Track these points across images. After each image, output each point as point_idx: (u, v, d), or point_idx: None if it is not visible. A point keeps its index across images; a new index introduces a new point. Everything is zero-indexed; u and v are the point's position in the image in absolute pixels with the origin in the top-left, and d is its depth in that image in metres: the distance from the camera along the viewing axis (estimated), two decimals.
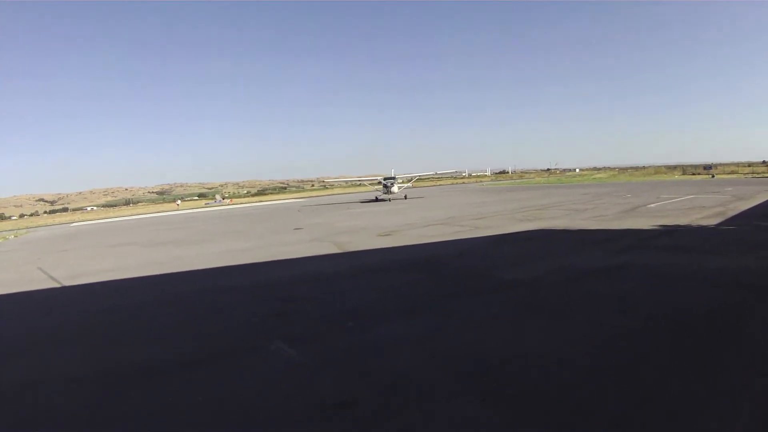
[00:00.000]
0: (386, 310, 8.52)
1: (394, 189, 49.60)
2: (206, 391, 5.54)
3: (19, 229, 66.00)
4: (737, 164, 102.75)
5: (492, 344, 6.51)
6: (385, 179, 51.50)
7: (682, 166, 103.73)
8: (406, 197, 51.21)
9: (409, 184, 58.18)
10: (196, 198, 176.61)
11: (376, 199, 51.16)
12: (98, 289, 13.14)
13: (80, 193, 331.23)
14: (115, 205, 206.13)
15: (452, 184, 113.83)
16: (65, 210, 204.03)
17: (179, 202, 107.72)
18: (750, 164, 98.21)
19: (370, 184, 60.78)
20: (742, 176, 66.66)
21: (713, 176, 69.03)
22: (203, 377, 6.01)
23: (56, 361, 7.24)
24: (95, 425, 5.03)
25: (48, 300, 12.31)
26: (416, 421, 4.59)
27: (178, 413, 5.10)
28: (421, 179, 67.80)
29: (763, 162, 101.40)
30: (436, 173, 62.43)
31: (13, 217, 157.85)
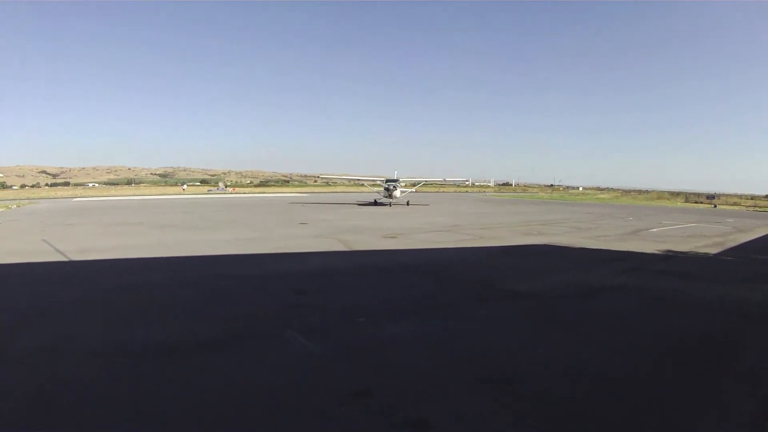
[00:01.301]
0: (396, 309, 8.81)
1: (396, 193, 44.73)
2: (226, 374, 5.77)
3: (20, 199, 66.05)
4: (740, 196, 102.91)
5: (499, 347, 6.85)
6: (387, 181, 46.60)
7: (685, 193, 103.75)
8: (408, 203, 47.26)
9: (413, 189, 53.12)
10: (198, 183, 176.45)
11: (375, 203, 47.39)
12: (107, 265, 13.35)
13: (83, 168, 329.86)
14: (117, 184, 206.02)
15: (455, 192, 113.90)
16: (67, 184, 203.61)
17: (185, 186, 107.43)
18: (753, 197, 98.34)
19: (369, 185, 54.52)
20: (744, 208, 66.82)
21: (715, 206, 69.06)
22: (221, 360, 6.23)
23: (71, 333, 7.40)
24: (115, 398, 5.22)
25: (57, 273, 12.45)
26: (430, 412, 4.86)
27: (200, 393, 5.32)
28: (425, 185, 61.66)
29: (767, 196, 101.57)
30: (445, 180, 57.54)
31: (14, 187, 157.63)
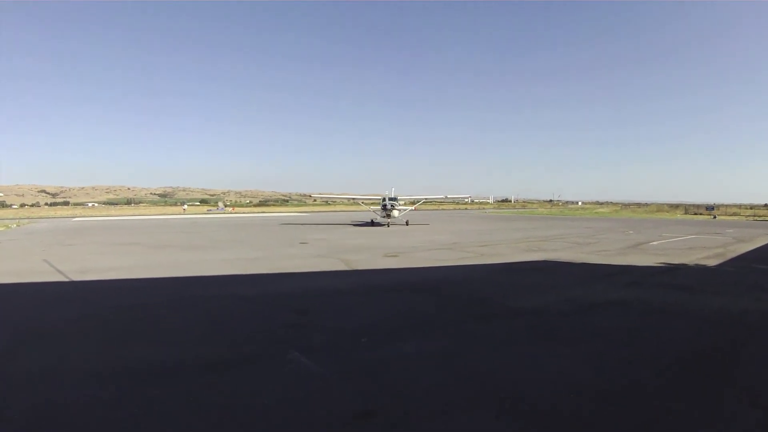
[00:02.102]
0: (398, 328, 8.76)
1: (395, 212, 41.45)
2: (227, 395, 5.72)
3: (20, 218, 66.24)
4: (739, 206, 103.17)
5: (501, 364, 6.82)
6: (386, 199, 42.46)
7: (685, 205, 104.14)
8: (408, 223, 43.87)
9: (412, 208, 49.46)
10: (198, 204, 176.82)
11: (372, 223, 44.11)
12: (107, 286, 13.35)
13: (83, 188, 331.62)
14: (117, 204, 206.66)
15: (455, 209, 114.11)
16: (66, 203, 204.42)
17: (186, 206, 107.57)
18: (752, 206, 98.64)
19: (364, 203, 50.35)
20: (744, 218, 66.91)
21: (715, 217, 69.24)
22: (223, 381, 6.19)
23: (70, 355, 7.38)
24: (113, 418, 5.19)
25: (57, 293, 12.44)
26: (435, 431, 4.85)
27: (201, 413, 5.28)
28: (425, 203, 56.40)
29: (766, 205, 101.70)
30: (447, 197, 51.19)
31: (14, 206, 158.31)
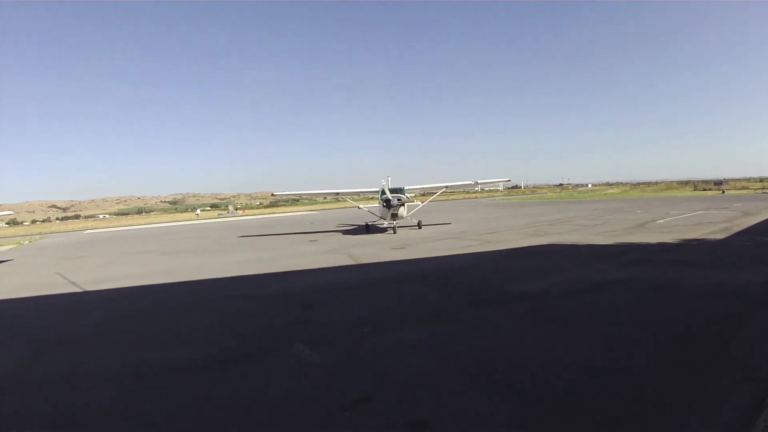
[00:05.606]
0: (401, 317, 9.00)
1: (402, 211, 29.01)
2: (236, 388, 6.00)
3: (32, 234, 66.82)
4: (749, 179, 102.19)
5: (500, 348, 6.97)
6: (386, 192, 28.53)
7: (694, 181, 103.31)
8: (420, 225, 30.07)
9: (421, 205, 34.69)
10: (209, 208, 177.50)
11: (367, 228, 30.19)
12: (120, 293, 13.68)
13: (93, 200, 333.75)
14: (128, 214, 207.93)
15: (464, 198, 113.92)
16: (77, 217, 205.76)
17: (199, 211, 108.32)
18: (762, 179, 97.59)
19: (352, 199, 37.19)
20: (753, 191, 66.42)
21: (723, 192, 68.87)
22: (232, 376, 6.47)
23: (88, 359, 7.70)
24: (131, 417, 5.46)
25: (71, 304, 12.79)
26: (429, 413, 5.02)
27: (212, 406, 5.54)
28: (445, 192, 36.65)
29: None
30: (477, 182, 34.18)
31: (25, 223, 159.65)
